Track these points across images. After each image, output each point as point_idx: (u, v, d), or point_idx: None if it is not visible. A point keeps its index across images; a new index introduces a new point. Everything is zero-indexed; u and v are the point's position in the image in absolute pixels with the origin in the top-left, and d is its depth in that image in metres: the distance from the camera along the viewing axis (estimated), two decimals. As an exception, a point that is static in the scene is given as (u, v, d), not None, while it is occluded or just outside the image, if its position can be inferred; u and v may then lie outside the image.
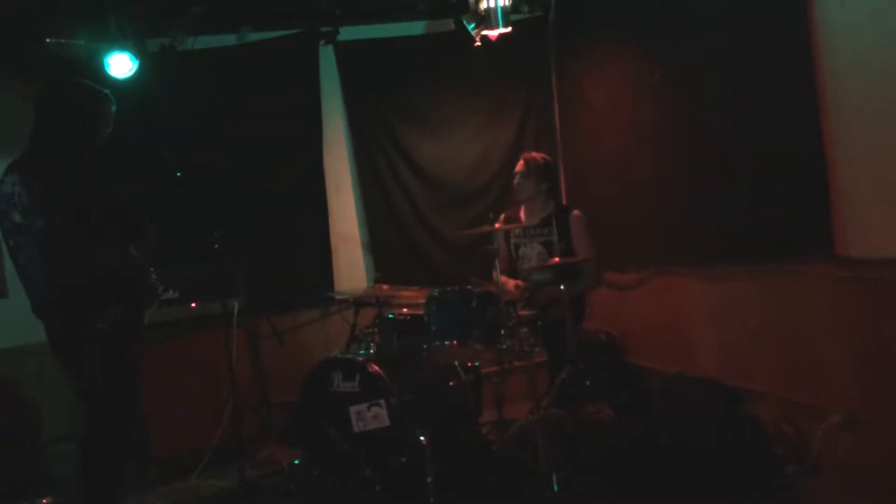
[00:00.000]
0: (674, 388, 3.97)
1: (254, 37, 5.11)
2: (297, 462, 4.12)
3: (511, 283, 4.38)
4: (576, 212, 4.51)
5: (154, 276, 3.45)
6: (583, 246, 4.39)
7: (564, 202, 5.43)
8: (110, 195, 3.24)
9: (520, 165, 4.53)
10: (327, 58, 5.29)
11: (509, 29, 4.59)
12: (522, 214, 4.56)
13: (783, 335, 3.70)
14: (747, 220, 3.72)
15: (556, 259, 4.08)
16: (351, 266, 5.34)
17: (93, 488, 3.23)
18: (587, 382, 3.93)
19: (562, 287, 3.88)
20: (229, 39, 5.07)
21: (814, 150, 3.29)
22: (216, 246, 4.21)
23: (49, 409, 4.56)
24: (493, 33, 4.66)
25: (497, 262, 3.78)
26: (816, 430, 3.42)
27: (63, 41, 4.44)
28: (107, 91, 3.37)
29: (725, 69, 3.78)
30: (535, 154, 4.60)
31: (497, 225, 3.89)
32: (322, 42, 5.22)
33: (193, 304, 4.56)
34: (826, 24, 3.23)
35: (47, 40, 4.39)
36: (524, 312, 3.88)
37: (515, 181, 4.52)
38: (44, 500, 4.14)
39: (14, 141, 3.89)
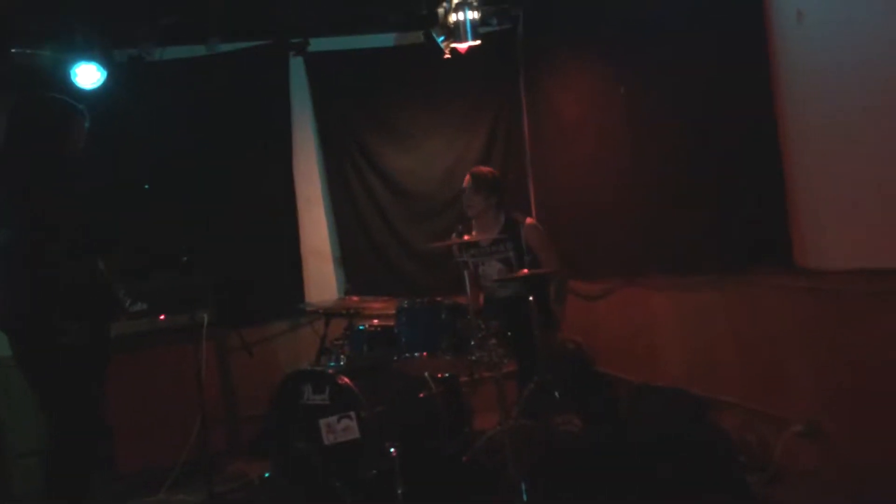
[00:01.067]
0: (640, 397, 4.02)
1: (224, 48, 5.10)
2: (266, 475, 4.09)
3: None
4: (528, 220, 4.48)
5: (122, 290, 3.42)
6: (546, 258, 4.37)
7: (533, 212, 5.48)
8: (78, 209, 3.22)
9: (467, 180, 4.46)
10: (297, 69, 5.31)
11: (478, 42, 4.64)
12: (474, 230, 4.51)
13: (747, 345, 3.77)
14: (712, 230, 3.78)
15: (525, 271, 4.09)
16: (321, 278, 5.35)
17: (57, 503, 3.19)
18: (556, 393, 3.96)
19: (530, 298, 3.92)
20: (198, 50, 5.06)
21: (772, 163, 3.36)
22: (185, 259, 4.18)
23: (14, 424, 4.50)
24: (462, 46, 4.70)
25: (466, 274, 3.81)
26: (778, 439, 3.47)
27: (29, 52, 4.40)
28: (81, 106, 3.34)
29: (689, 83, 3.85)
30: (482, 168, 4.58)
31: (457, 239, 3.90)
32: (292, 53, 5.24)
33: (162, 317, 4.52)
34: (783, 39, 3.30)
35: (12, 50, 4.35)
36: (491, 323, 3.89)
37: (464, 197, 4.47)
38: (8, 516, 4.08)
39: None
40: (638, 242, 4.43)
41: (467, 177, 4.51)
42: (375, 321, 4.29)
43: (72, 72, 4.43)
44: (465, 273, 3.86)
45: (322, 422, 3.74)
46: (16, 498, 4.27)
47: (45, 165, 3.18)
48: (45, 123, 3.25)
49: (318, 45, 5.25)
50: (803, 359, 3.42)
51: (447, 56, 4.77)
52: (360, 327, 4.18)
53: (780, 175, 3.35)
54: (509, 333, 3.98)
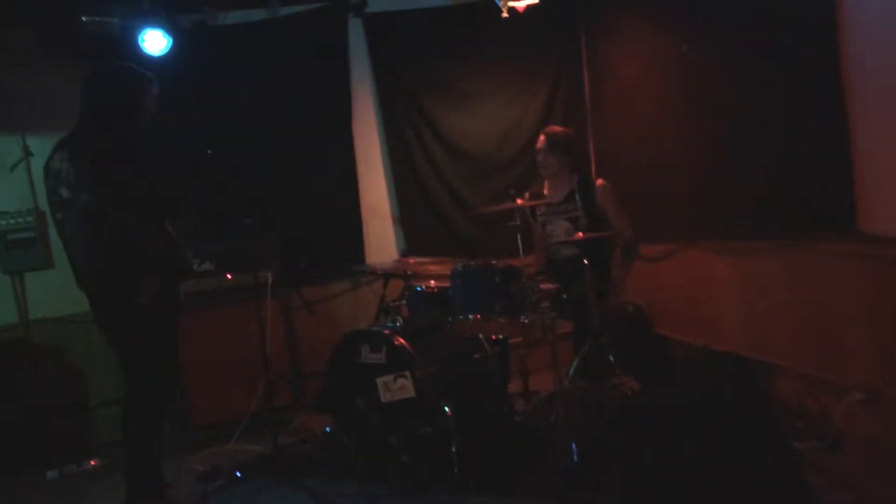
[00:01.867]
0: (697, 361, 3.99)
1: (284, 11, 5.15)
2: (328, 430, 4.26)
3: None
4: (600, 181, 4.47)
5: (189, 251, 3.57)
6: (619, 220, 4.37)
7: (594, 173, 5.42)
8: (150, 174, 3.36)
9: (541, 141, 4.48)
10: (356, 30, 5.33)
11: (536, 0, 4.55)
12: (546, 189, 4.56)
13: (806, 311, 3.69)
14: (772, 195, 3.69)
15: (580, 235, 4.08)
16: (381, 238, 5.44)
17: (133, 452, 3.41)
18: (610, 356, 3.97)
19: (585, 261, 3.91)
20: (259, 14, 5.12)
21: (837, 126, 3.25)
22: (248, 221, 4.31)
23: (96, 376, 4.77)
24: (519, 4, 4.62)
25: (519, 237, 3.82)
26: (838, 407, 3.42)
27: (98, 19, 4.54)
28: (150, 74, 3.46)
29: (753, 41, 3.73)
30: (556, 128, 4.58)
31: (519, 201, 3.90)
32: (350, 14, 5.25)
33: (229, 276, 4.70)
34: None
35: (83, 18, 4.50)
36: (546, 286, 3.91)
37: (539, 157, 4.50)
38: (92, 462, 4.36)
39: (58, 117, 4.06)
40: (698, 205, 4.35)
41: (541, 137, 4.51)
42: (432, 282, 4.35)
43: (139, 38, 4.55)
44: (518, 236, 3.88)
45: (379, 380, 3.84)
46: (99, 445, 4.54)
47: (118, 133, 3.32)
48: (118, 93, 3.39)
49: (375, 5, 5.25)
50: (865, 326, 3.34)
51: (505, 15, 4.70)
52: (418, 288, 4.25)
53: (845, 138, 3.24)
54: (565, 296, 4.00)
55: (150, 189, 3.33)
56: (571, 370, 4.05)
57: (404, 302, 4.25)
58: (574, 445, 3.47)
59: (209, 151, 4.03)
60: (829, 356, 3.57)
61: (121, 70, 3.47)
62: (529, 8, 4.63)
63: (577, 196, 4.26)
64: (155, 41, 4.58)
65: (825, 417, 3.52)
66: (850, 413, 3.40)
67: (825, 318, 3.56)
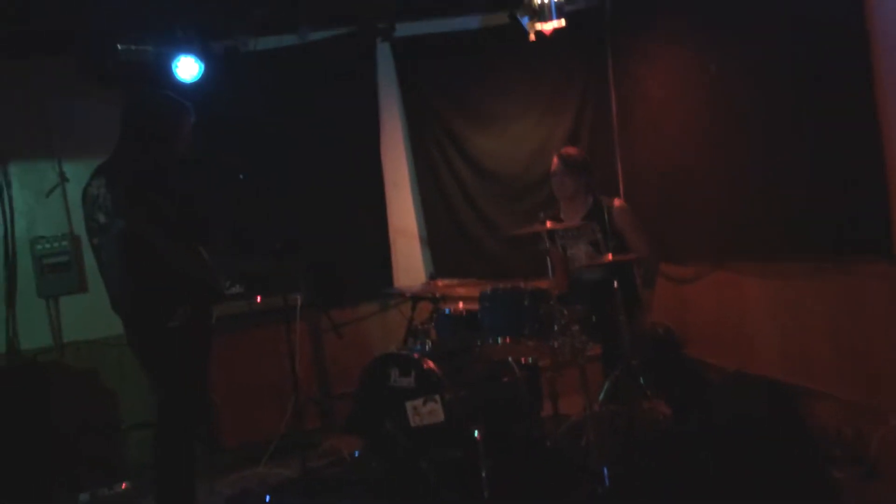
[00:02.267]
0: (730, 385, 3.94)
1: (313, 36, 5.23)
2: (356, 453, 4.26)
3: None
4: (617, 201, 4.43)
5: (222, 275, 3.60)
6: (636, 241, 4.34)
7: (622, 193, 5.40)
8: (185, 201, 3.42)
9: (555, 164, 4.44)
10: (384, 54, 5.39)
11: (563, 23, 4.56)
12: (561, 213, 4.51)
13: (843, 335, 3.63)
14: (805, 217, 3.64)
15: (609, 257, 4.06)
16: (409, 260, 5.46)
17: (165, 474, 3.43)
18: (641, 380, 3.93)
19: (614, 283, 3.89)
20: (289, 40, 5.20)
21: (871, 145, 3.20)
22: (279, 244, 4.35)
23: (128, 398, 4.81)
24: (547, 27, 4.63)
25: (549, 259, 3.81)
26: (876, 433, 3.34)
27: (133, 47, 4.64)
28: (188, 103, 3.53)
29: (784, 61, 3.69)
30: (570, 149, 4.54)
31: (548, 224, 3.89)
32: (379, 39, 5.31)
33: (258, 299, 4.74)
34: (884, 19, 3.12)
35: (119, 47, 4.60)
36: (575, 309, 3.88)
37: (555, 180, 4.45)
38: (123, 485, 4.40)
39: (93, 144, 4.16)
40: (729, 226, 4.31)
41: (555, 159, 4.48)
42: (461, 304, 4.36)
43: (173, 65, 4.64)
44: (549, 258, 3.87)
45: (408, 404, 3.84)
46: (130, 467, 4.58)
47: (155, 160, 3.39)
48: (157, 120, 3.46)
49: (403, 29, 5.31)
50: (903, 350, 3.28)
51: (532, 38, 4.72)
52: (446, 311, 4.26)
53: (879, 158, 3.19)
54: (594, 318, 3.97)
55: (184, 214, 3.38)
56: (602, 394, 4.02)
57: (433, 324, 4.26)
58: (605, 470, 3.44)
59: (242, 176, 4.07)
60: (866, 381, 3.50)
61: (159, 98, 3.55)
62: (557, 29, 4.65)
63: (594, 218, 4.24)
64: (188, 68, 4.66)
65: (863, 444, 3.44)
66: (889, 439, 3.32)
67: (862, 342, 3.49)
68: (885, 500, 3.15)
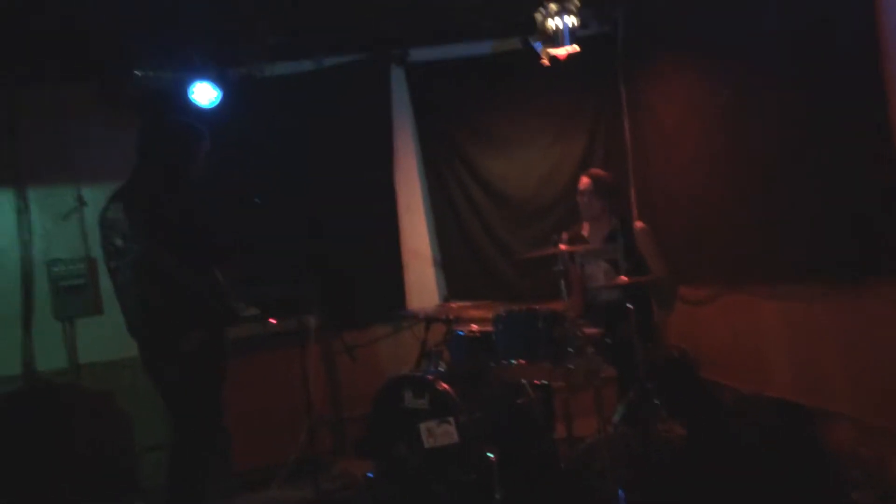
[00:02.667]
0: (746, 407, 3.91)
1: (328, 62, 5.30)
2: (370, 475, 4.23)
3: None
4: (639, 223, 4.48)
5: (237, 298, 3.63)
6: (657, 263, 4.34)
7: (635, 216, 5.41)
8: (202, 225, 3.46)
9: (585, 183, 4.52)
10: (397, 79, 5.45)
11: (576, 48, 4.60)
12: (586, 231, 4.55)
13: (861, 357, 3.60)
14: (821, 239, 3.64)
15: (624, 278, 4.05)
16: (422, 283, 5.47)
17: (178, 498, 3.43)
18: (656, 402, 3.91)
19: (629, 306, 3.89)
20: (305, 65, 5.27)
21: (889, 165, 3.20)
22: (294, 266, 4.38)
23: (141, 420, 4.80)
24: (560, 52, 4.67)
25: (563, 282, 3.82)
26: (894, 455, 3.31)
27: (151, 73, 4.72)
28: (204, 128, 3.59)
29: (797, 81, 3.71)
30: (599, 171, 4.62)
31: (562, 247, 3.91)
32: (393, 64, 5.38)
33: (273, 321, 4.74)
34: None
35: (136, 73, 4.68)
36: (590, 331, 3.88)
37: (583, 199, 4.52)
38: (137, 506, 4.40)
39: (111, 168, 4.22)
40: (743, 249, 4.30)
41: (585, 179, 4.55)
42: (474, 326, 4.35)
43: (189, 91, 4.70)
44: (563, 280, 3.87)
45: (422, 426, 3.83)
46: (143, 490, 4.57)
47: (172, 186, 3.46)
48: (173, 145, 3.53)
49: (416, 55, 5.38)
50: (922, 372, 3.25)
51: (546, 63, 4.75)
52: (460, 333, 4.26)
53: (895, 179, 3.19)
54: (608, 340, 3.97)
55: (200, 237, 3.42)
56: (616, 416, 4.00)
57: (446, 346, 4.25)
58: (622, 493, 3.41)
59: (257, 199, 4.11)
60: (885, 403, 3.47)
61: (176, 124, 3.62)
62: (570, 54, 4.68)
63: (619, 239, 4.25)
64: (204, 93, 4.72)
65: (882, 466, 3.40)
66: (908, 462, 3.29)
67: (881, 365, 3.46)
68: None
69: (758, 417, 3.78)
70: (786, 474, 3.19)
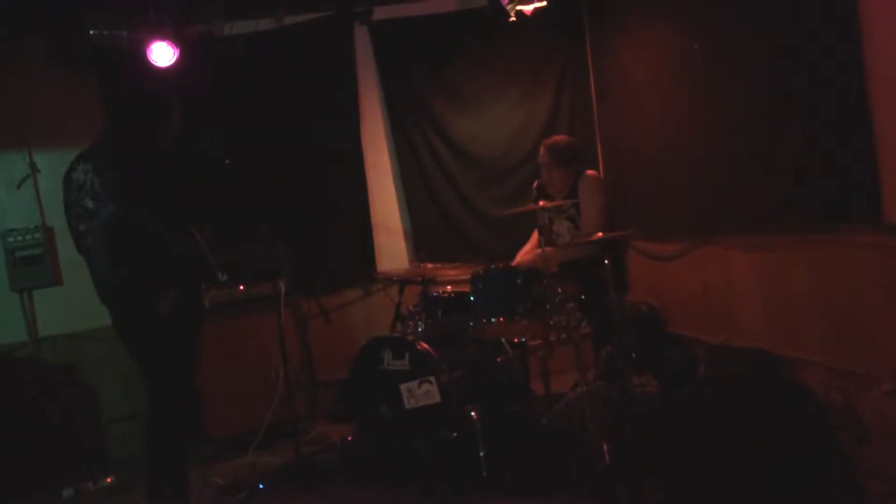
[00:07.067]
0: (719, 357, 3.99)
1: (289, 20, 5.14)
2: (349, 438, 4.21)
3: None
4: (589, 172, 4.28)
5: (218, 259, 3.53)
6: (586, 210, 4.15)
7: (601, 171, 5.41)
8: (179, 182, 3.35)
9: (542, 155, 4.30)
10: (362, 38, 5.32)
11: (544, 3, 4.55)
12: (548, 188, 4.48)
13: (831, 304, 3.69)
14: (792, 187, 3.69)
15: (600, 234, 4.02)
16: (392, 245, 5.42)
17: (156, 465, 3.36)
18: (633, 355, 3.96)
19: (605, 262, 3.89)
20: (266, 24, 5.10)
21: (859, 112, 3.24)
22: (263, 231, 4.28)
23: (107, 392, 4.69)
24: (527, 8, 4.61)
25: (541, 238, 3.80)
26: (866, 398, 3.41)
27: (106, 32, 4.52)
28: (171, 90, 3.47)
29: (769, 32, 3.73)
30: (557, 138, 4.41)
31: (542, 203, 3.87)
32: (357, 22, 5.25)
33: (241, 287, 4.65)
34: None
35: (91, 32, 4.47)
36: (568, 286, 3.88)
37: (542, 172, 4.32)
38: (108, 479, 4.29)
39: (65, 132, 4.03)
40: (713, 201, 4.36)
41: (542, 150, 4.34)
42: (448, 287, 4.33)
43: (147, 50, 4.52)
44: (541, 238, 3.85)
45: (403, 387, 3.82)
46: (111, 461, 4.47)
47: (145, 144, 3.35)
48: (144, 105, 3.39)
49: (381, 13, 5.25)
50: (892, 317, 3.34)
51: (513, 19, 4.68)
52: (435, 294, 4.23)
53: (869, 127, 3.24)
54: (582, 297, 3.98)
55: (177, 197, 3.32)
56: (595, 370, 4.04)
57: (421, 308, 4.22)
58: (606, 446, 3.45)
59: (227, 161, 3.99)
60: (855, 347, 3.58)
61: (146, 83, 3.47)
62: (536, 9, 4.63)
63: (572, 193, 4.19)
64: (162, 53, 4.54)
65: (853, 409, 3.51)
66: (879, 404, 3.39)
67: (850, 310, 3.56)
68: (879, 462, 3.21)
69: (731, 367, 3.87)
70: (763, 415, 3.26)
